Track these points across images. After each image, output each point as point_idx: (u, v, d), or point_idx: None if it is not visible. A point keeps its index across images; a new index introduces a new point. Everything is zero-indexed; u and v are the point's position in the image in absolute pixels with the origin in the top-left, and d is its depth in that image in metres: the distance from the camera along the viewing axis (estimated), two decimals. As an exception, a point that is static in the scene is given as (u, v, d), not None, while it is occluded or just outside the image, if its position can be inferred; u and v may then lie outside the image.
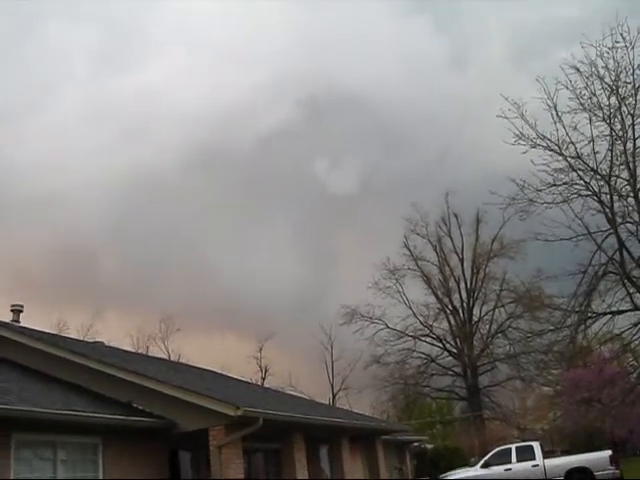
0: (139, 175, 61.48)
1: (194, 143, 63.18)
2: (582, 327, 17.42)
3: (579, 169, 17.57)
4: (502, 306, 50.19)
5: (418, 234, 52.32)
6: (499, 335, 50.35)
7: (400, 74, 60.91)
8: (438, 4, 64.02)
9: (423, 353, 51.60)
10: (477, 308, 51.80)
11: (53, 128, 63.63)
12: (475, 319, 51.66)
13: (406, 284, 51.76)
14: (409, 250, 52.19)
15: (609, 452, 26.16)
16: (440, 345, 51.82)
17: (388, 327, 50.80)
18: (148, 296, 62.07)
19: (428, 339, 51.70)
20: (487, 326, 51.14)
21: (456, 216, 52.43)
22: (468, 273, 52.37)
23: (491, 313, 50.85)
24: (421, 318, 51.26)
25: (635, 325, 17.86)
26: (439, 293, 52.40)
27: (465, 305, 52.04)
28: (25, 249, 56.16)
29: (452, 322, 51.78)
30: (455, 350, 51.55)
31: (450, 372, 51.75)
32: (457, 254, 52.63)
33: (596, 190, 17.46)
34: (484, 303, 51.61)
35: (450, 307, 51.98)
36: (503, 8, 56.46)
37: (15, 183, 56.01)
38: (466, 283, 52.30)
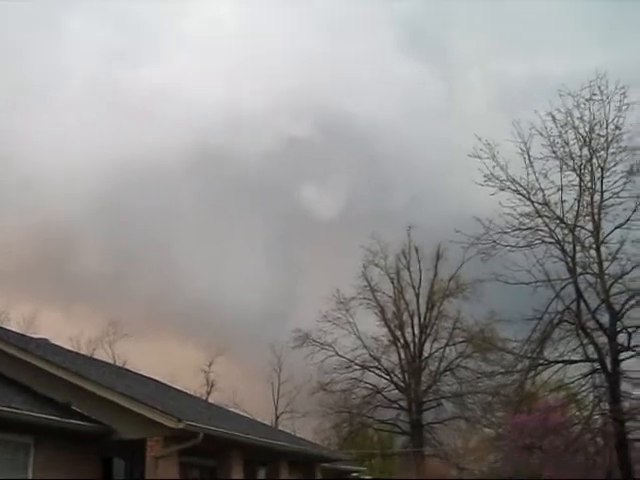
0: (131, 169, 61.01)
1: (191, 144, 62.90)
2: (532, 373, 17.42)
3: (545, 216, 17.68)
4: (453, 344, 50.23)
5: (377, 265, 52.31)
6: (447, 373, 50.33)
7: (388, 108, 61.63)
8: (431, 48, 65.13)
9: (370, 384, 51.29)
10: (428, 344, 51.77)
11: (55, 115, 63.18)
12: (425, 355, 51.63)
13: (359, 314, 51.63)
14: (366, 280, 52.11)
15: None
16: (388, 377, 51.59)
17: (338, 355, 50.52)
18: (109, 293, 61.05)
19: (376, 371, 51.46)
20: (437, 363, 51.05)
21: (417, 250, 52.56)
22: (423, 308, 52.43)
23: (442, 350, 50.83)
24: (371, 350, 51.08)
25: (585, 376, 17.92)
26: (392, 325, 52.24)
27: (417, 340, 51.97)
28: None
29: (402, 356, 51.62)
30: (402, 384, 51.35)
31: (395, 405, 51.45)
32: (414, 288, 52.68)
33: (560, 238, 17.61)
34: (435, 340, 51.60)
35: (402, 341, 51.83)
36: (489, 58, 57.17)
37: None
38: (420, 318, 52.28)
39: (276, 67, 63.36)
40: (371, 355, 50.84)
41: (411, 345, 51.78)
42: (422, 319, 52.09)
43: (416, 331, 51.95)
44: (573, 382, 18.09)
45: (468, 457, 51.76)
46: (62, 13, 62.87)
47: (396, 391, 51.51)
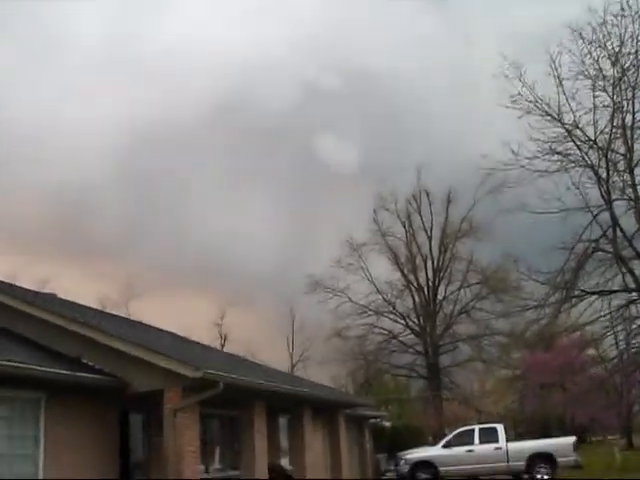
0: (147, 126, 60.89)
1: (208, 96, 62.99)
2: (567, 305, 16.45)
3: (576, 138, 16.52)
4: (468, 286, 49.56)
5: (387, 209, 51.33)
6: (463, 315, 49.74)
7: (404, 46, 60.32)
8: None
9: (385, 329, 50.78)
10: (442, 287, 51.07)
11: (67, 74, 63.34)
12: (440, 298, 50.94)
13: (372, 259, 50.85)
14: (377, 225, 51.19)
15: (573, 438, 25.61)
16: (403, 322, 51.01)
17: (351, 301, 49.90)
18: (123, 253, 60.78)
19: (391, 316, 50.87)
20: (451, 306, 50.43)
21: (427, 193, 51.47)
22: (435, 251, 51.57)
23: (456, 293, 50.11)
24: (385, 294, 50.44)
25: (620, 308, 16.97)
26: (405, 270, 51.49)
27: (431, 283, 51.24)
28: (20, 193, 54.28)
29: (416, 300, 50.97)
30: (418, 328, 50.80)
31: (411, 350, 50.96)
32: (426, 231, 51.76)
33: (593, 162, 16.45)
34: (450, 282, 50.85)
35: (415, 284, 51.13)
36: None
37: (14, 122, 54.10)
38: (433, 261, 51.48)
39: (295, 16, 62.31)
40: (385, 300, 50.21)
41: (425, 289, 51.08)
42: (435, 262, 51.30)
43: (430, 274, 51.19)
44: (605, 315, 17.03)
45: (485, 399, 51.65)
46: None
47: (412, 336, 50.99)
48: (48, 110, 60.67)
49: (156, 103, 63.53)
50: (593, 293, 16.46)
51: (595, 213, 16.23)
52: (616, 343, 17.14)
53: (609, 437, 45.30)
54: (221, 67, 65.18)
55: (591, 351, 29.80)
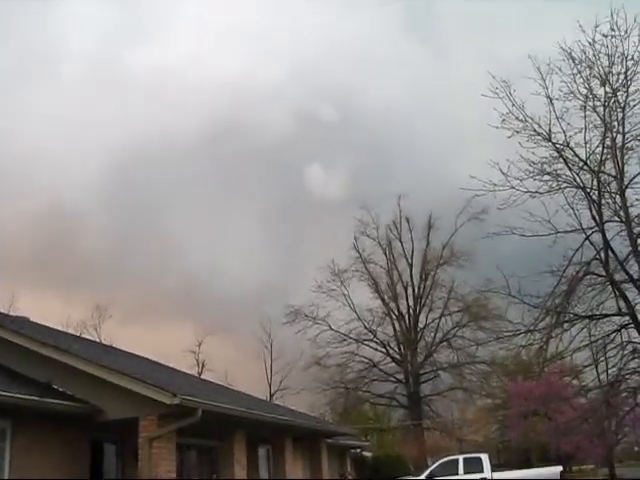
0: (136, 150, 60.66)
1: (199, 123, 62.65)
2: (559, 330, 15.96)
3: (567, 159, 16.17)
4: (449, 314, 49.20)
5: (368, 235, 50.99)
6: (444, 344, 49.27)
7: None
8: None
9: (365, 357, 50.15)
10: (423, 315, 50.69)
11: (58, 95, 62.96)
12: (421, 326, 50.47)
13: (352, 287, 50.36)
14: (358, 252, 50.77)
15: (559, 468, 25.13)
16: (383, 350, 50.40)
17: (331, 329, 49.31)
18: (101, 276, 59.83)
19: (372, 344, 50.25)
20: (432, 334, 49.99)
21: (408, 220, 51.26)
22: (417, 279, 51.20)
23: (437, 321, 49.69)
24: (365, 322, 49.89)
25: (610, 333, 16.52)
26: (386, 297, 51.04)
27: (411, 311, 50.80)
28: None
29: (397, 327, 50.47)
30: (398, 356, 50.23)
31: (392, 379, 50.36)
32: (406, 259, 51.43)
33: (585, 184, 16.10)
34: (431, 310, 50.48)
35: (396, 312, 50.65)
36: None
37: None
38: (414, 289, 51.09)
39: (285, 45, 62.63)
40: (366, 328, 49.68)
41: (406, 316, 50.66)
42: (416, 290, 50.96)
43: (410, 302, 50.86)
44: (597, 341, 16.56)
45: (466, 428, 51.04)
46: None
47: (392, 364, 50.42)
48: (29, 134, 59.65)
49: (141, 128, 63.02)
50: (585, 317, 16.01)
51: (588, 234, 15.80)
52: (606, 370, 16.67)
53: (584, 467, 44.86)
54: (209, 93, 65.11)
55: (575, 380, 29.38)
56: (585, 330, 16.53)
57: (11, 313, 23.56)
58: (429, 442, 47.16)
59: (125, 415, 12.63)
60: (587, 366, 18.09)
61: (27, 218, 56.19)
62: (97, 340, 39.18)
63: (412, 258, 51.15)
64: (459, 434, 50.34)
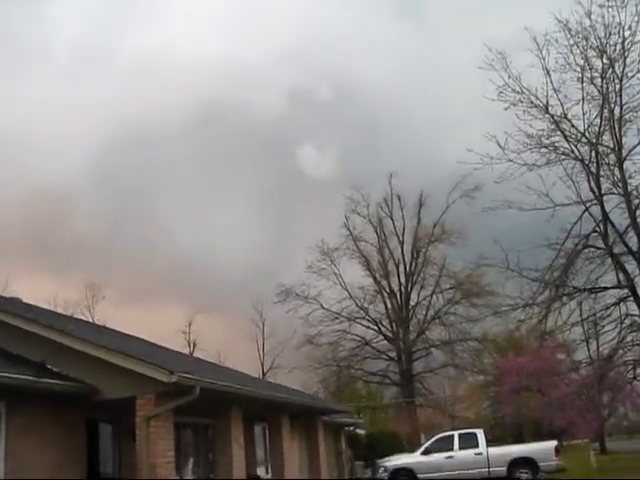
0: (127, 128, 60.56)
1: (191, 102, 62.36)
2: (557, 304, 15.84)
3: (565, 131, 15.96)
4: (440, 292, 49.30)
5: (359, 214, 50.83)
6: (436, 321, 49.36)
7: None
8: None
9: (357, 335, 50.26)
10: (415, 292, 50.78)
11: (51, 77, 62.79)
12: (412, 303, 50.51)
13: (343, 265, 50.31)
14: (349, 230, 50.64)
15: (554, 442, 25.20)
16: (375, 328, 50.52)
17: (323, 307, 49.32)
18: (93, 257, 59.49)
19: (363, 322, 50.35)
20: (424, 311, 50.07)
21: (399, 198, 51.11)
22: (408, 257, 51.15)
23: (429, 298, 49.78)
24: (357, 300, 49.91)
25: (610, 306, 16.42)
26: (377, 275, 51.08)
27: (403, 289, 50.80)
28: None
29: (389, 305, 50.48)
30: (390, 334, 50.30)
31: (384, 356, 50.49)
32: (398, 236, 51.35)
33: (582, 157, 15.92)
34: (422, 287, 50.57)
35: (388, 290, 50.64)
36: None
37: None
38: (405, 266, 51.06)
39: (275, 26, 62.05)
40: (358, 306, 49.68)
41: (398, 294, 50.69)
42: (408, 267, 50.96)
43: (402, 280, 50.86)
44: (595, 314, 16.48)
45: (458, 405, 51.30)
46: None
47: (384, 342, 50.53)
48: (17, 118, 58.98)
49: (134, 108, 62.79)
50: (584, 290, 15.90)
51: (587, 207, 15.65)
52: (597, 347, 16.63)
53: (575, 441, 45.18)
54: (199, 74, 64.58)
55: (567, 357, 29.46)
56: (584, 304, 16.48)
57: (4, 295, 23.20)
58: (422, 419, 47.39)
59: (122, 394, 12.40)
60: (583, 341, 18.02)
61: (18, 201, 55.61)
62: (90, 321, 38.86)
63: (403, 236, 51.20)
64: (451, 411, 50.60)
